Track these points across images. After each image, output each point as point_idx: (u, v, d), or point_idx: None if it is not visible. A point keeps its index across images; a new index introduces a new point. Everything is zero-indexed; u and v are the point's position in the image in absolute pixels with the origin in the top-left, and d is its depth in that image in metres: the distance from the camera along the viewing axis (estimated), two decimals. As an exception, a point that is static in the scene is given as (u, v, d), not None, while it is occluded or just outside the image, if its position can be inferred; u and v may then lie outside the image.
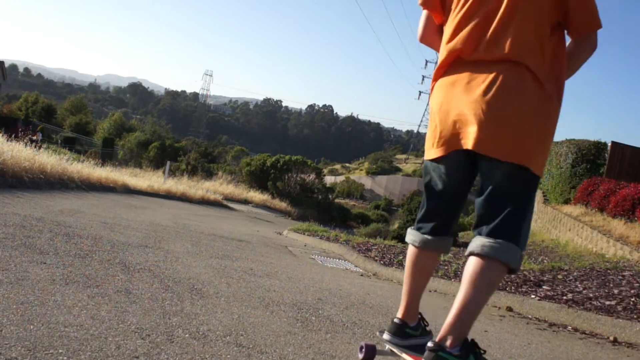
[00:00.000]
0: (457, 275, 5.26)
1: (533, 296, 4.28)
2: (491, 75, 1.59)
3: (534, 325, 3.62)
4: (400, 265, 5.88)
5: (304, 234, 8.98)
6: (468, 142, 1.65)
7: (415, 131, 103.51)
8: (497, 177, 1.66)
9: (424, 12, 1.86)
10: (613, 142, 11.78)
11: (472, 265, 1.62)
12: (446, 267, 5.70)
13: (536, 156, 1.62)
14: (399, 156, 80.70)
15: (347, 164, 76.23)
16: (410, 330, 1.90)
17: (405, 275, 1.94)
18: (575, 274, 5.18)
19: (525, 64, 1.57)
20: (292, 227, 10.22)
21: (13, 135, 8.69)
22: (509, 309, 4.13)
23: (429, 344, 1.56)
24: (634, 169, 11.39)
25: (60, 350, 1.53)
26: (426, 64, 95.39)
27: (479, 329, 3.20)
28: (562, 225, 10.12)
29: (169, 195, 14.04)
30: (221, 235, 6.40)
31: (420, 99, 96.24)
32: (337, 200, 32.61)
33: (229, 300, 2.68)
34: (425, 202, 1.96)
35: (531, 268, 5.52)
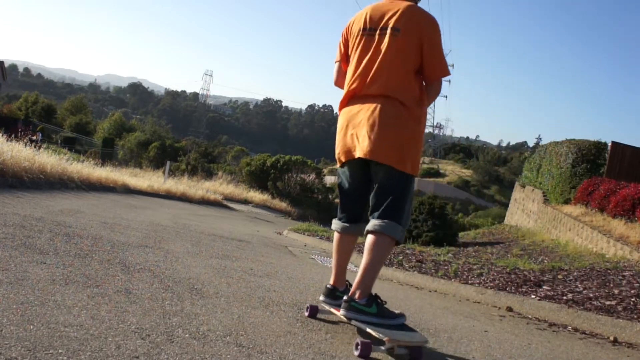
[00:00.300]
0: (457, 275, 5.26)
1: (533, 296, 4.28)
2: (374, 105, 2.26)
3: (534, 325, 3.62)
4: (400, 265, 5.88)
5: (304, 234, 8.98)
6: (359, 152, 2.30)
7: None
8: (380, 176, 2.29)
9: (337, 65, 2.56)
10: (613, 142, 11.78)
11: (369, 240, 2.26)
12: (446, 267, 5.70)
13: (408, 160, 2.25)
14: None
15: (347, 164, 76.10)
16: (339, 294, 2.51)
17: (333, 253, 2.56)
18: (575, 274, 5.18)
19: (396, 97, 2.24)
20: (292, 227, 10.22)
21: (13, 136, 8.69)
22: (509, 309, 4.13)
23: (344, 298, 2.25)
24: (634, 169, 11.38)
25: (60, 350, 1.53)
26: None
27: (479, 329, 3.20)
28: (562, 225, 10.12)
29: (169, 195, 14.04)
30: (221, 235, 6.40)
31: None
32: (337, 201, 32.59)
33: (229, 300, 2.68)
34: (340, 199, 2.60)
35: (531, 268, 5.52)
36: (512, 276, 5.11)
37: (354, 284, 2.26)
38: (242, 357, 1.84)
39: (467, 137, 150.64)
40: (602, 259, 6.53)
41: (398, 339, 2.05)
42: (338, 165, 2.54)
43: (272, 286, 3.37)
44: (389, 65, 2.24)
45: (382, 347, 2.08)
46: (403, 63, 2.24)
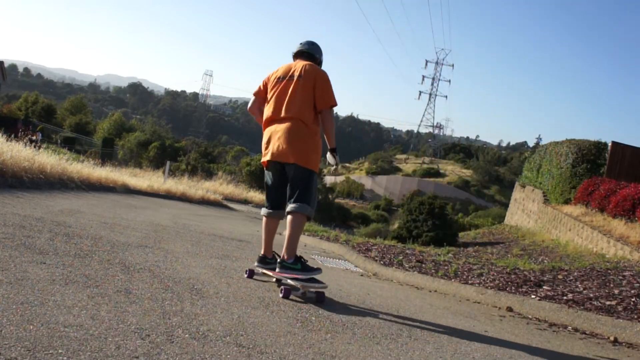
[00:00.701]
0: (457, 275, 5.26)
1: (533, 296, 4.28)
2: (286, 124, 3.26)
3: (534, 326, 3.62)
4: (401, 265, 5.88)
5: (304, 234, 8.97)
6: (275, 156, 3.29)
7: (416, 131, 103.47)
8: (292, 173, 3.26)
9: (254, 97, 3.57)
10: (613, 142, 11.78)
11: (289, 218, 3.21)
12: (446, 267, 5.70)
13: (310, 159, 3.25)
14: (399, 156, 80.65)
15: (347, 164, 76.19)
16: (268, 260, 3.47)
17: (263, 232, 3.49)
18: (575, 274, 5.18)
19: (300, 119, 3.25)
20: (292, 227, 10.20)
21: (13, 136, 8.68)
22: (509, 309, 4.13)
23: (278, 261, 3.21)
24: (634, 169, 11.38)
25: (60, 350, 1.53)
26: (426, 64, 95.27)
27: (479, 329, 3.20)
28: (562, 226, 10.12)
29: (169, 195, 14.03)
30: (221, 235, 6.40)
31: (420, 99, 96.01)
32: (337, 200, 32.61)
33: (229, 300, 2.68)
34: (266, 192, 3.53)
35: (531, 268, 5.52)
36: (512, 276, 5.11)
37: (283, 250, 3.20)
38: (242, 357, 1.83)
39: (467, 137, 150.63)
40: (602, 259, 6.53)
41: (308, 286, 3.10)
42: (265, 167, 3.50)
43: (272, 286, 3.37)
44: (295, 99, 3.28)
45: (298, 292, 3.13)
46: (303, 97, 3.28)
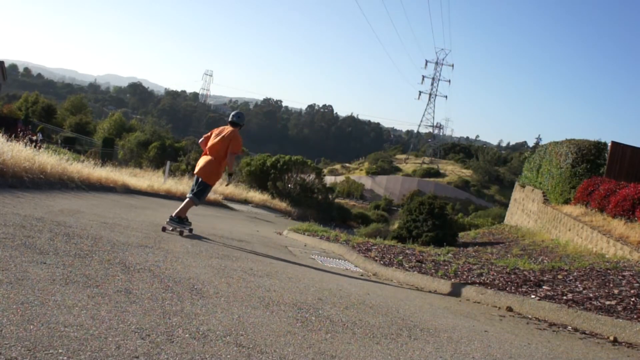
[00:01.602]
0: (457, 275, 5.26)
1: (533, 296, 4.28)
2: (208, 157, 5.98)
3: (534, 325, 3.62)
4: (401, 265, 5.88)
5: (304, 234, 8.97)
6: (197, 171, 6.03)
7: (415, 131, 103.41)
8: (200, 182, 5.99)
9: (204, 137, 6.26)
10: (613, 142, 11.77)
11: (186, 200, 5.95)
12: (446, 267, 5.70)
13: (209, 178, 5.99)
14: (399, 156, 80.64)
15: (347, 164, 76.19)
16: (172, 217, 5.78)
17: (183, 204, 5.90)
18: (575, 274, 5.18)
19: (216, 157, 5.96)
20: (292, 227, 10.21)
21: (13, 136, 8.67)
22: (509, 309, 4.13)
23: (169, 217, 5.82)
24: (634, 169, 11.38)
25: (60, 350, 1.53)
26: (426, 64, 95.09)
27: (479, 329, 3.20)
28: (562, 225, 10.12)
29: (169, 195, 14.02)
30: (221, 235, 6.40)
31: (420, 99, 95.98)
32: (337, 200, 32.60)
33: (229, 300, 2.68)
34: (192, 186, 6.14)
35: (531, 268, 5.52)
36: (512, 276, 5.11)
37: (175, 212, 5.76)
38: (242, 357, 1.84)
39: (467, 137, 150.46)
40: (602, 259, 6.53)
41: (177, 228, 5.65)
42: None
43: (272, 286, 3.37)
44: (218, 147, 5.91)
45: (174, 231, 5.62)
46: (222, 147, 5.90)
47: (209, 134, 6.16)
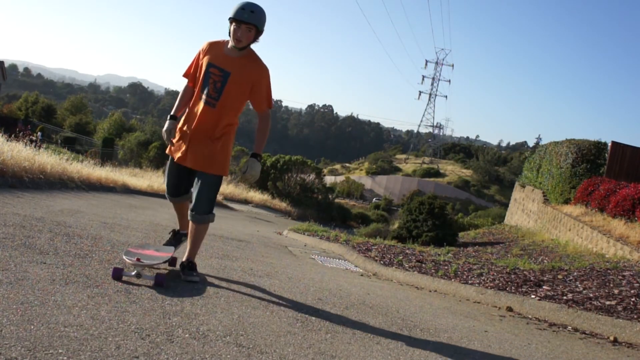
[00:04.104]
0: (457, 275, 5.26)
1: (533, 296, 4.28)
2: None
3: (534, 325, 3.62)
4: (401, 265, 5.88)
5: (304, 234, 8.97)
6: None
7: (415, 131, 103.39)
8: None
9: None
10: (613, 142, 11.77)
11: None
12: (446, 267, 5.70)
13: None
14: (399, 156, 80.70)
15: (347, 164, 76.21)
16: (191, 265, 3.15)
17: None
18: (575, 274, 5.18)
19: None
20: (292, 227, 10.22)
21: (13, 136, 8.67)
22: (509, 309, 4.13)
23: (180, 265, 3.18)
24: (634, 169, 11.38)
25: (60, 350, 1.53)
26: (426, 64, 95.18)
27: (479, 329, 3.20)
28: (562, 225, 10.12)
29: (169, 195, 14.01)
30: (221, 235, 6.40)
31: (420, 99, 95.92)
32: (337, 200, 32.61)
33: (229, 300, 2.68)
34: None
35: (531, 268, 5.52)
36: (512, 276, 5.11)
37: (186, 255, 3.19)
38: (242, 357, 1.84)
39: (467, 137, 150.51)
40: (602, 259, 6.53)
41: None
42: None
43: (272, 286, 3.37)
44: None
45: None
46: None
47: (194, 59, 3.11)
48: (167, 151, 3.19)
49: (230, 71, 2.98)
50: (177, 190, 3.25)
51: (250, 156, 3.06)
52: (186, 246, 3.21)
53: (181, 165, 3.07)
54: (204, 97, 3.00)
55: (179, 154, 3.04)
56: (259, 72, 3.06)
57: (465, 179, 60.57)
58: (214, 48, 3.05)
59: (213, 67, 2.99)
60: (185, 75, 3.15)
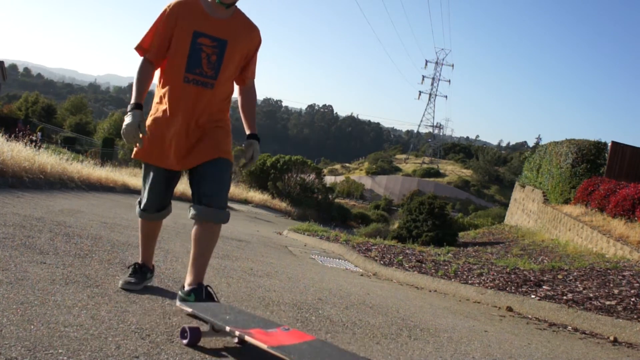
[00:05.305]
0: (457, 275, 5.26)
1: (533, 296, 4.28)
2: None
3: (534, 325, 3.62)
4: (401, 265, 5.88)
5: (304, 234, 8.98)
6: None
7: (416, 131, 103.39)
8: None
9: None
10: (613, 142, 11.78)
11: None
12: (446, 267, 5.70)
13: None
14: (399, 156, 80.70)
15: (347, 164, 76.21)
16: (202, 288, 2.26)
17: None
18: (575, 274, 5.18)
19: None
20: (292, 227, 10.22)
21: (13, 136, 8.67)
22: (509, 309, 4.13)
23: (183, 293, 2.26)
24: (634, 169, 11.38)
25: (60, 350, 1.53)
26: (426, 64, 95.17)
27: (479, 329, 3.20)
28: (562, 225, 10.12)
29: (169, 195, 14.01)
30: (221, 235, 6.39)
31: (420, 99, 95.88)
32: (337, 200, 32.61)
33: (228, 300, 2.68)
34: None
35: (531, 268, 5.52)
36: (512, 276, 5.11)
37: (192, 278, 2.29)
38: (242, 357, 1.83)
39: (467, 137, 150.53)
40: (602, 259, 6.53)
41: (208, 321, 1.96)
42: None
43: (272, 286, 3.37)
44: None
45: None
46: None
47: (159, 27, 2.30)
48: (138, 155, 2.38)
49: (227, 39, 2.31)
50: (164, 201, 2.55)
51: (249, 138, 2.50)
52: (187, 264, 2.37)
53: (172, 170, 2.41)
54: (193, 77, 2.28)
55: (169, 160, 2.35)
56: (256, 37, 2.44)
57: (465, 179, 60.58)
58: (190, 10, 2.28)
59: (202, 36, 2.26)
60: (142, 49, 2.32)
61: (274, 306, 2.75)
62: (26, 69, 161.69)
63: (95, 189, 9.54)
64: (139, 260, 2.65)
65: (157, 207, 2.56)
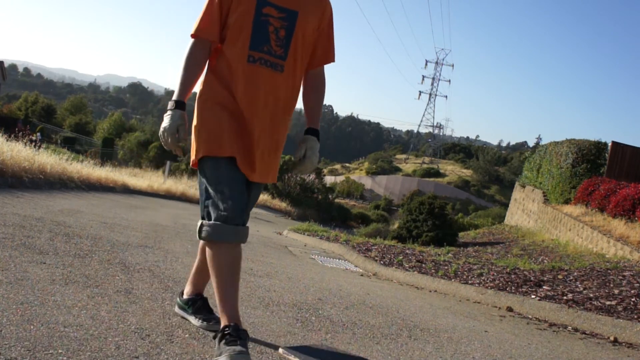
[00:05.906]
0: (457, 275, 5.26)
1: (533, 296, 4.28)
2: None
3: (534, 325, 3.62)
4: (401, 265, 5.87)
5: (304, 234, 8.98)
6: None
7: (416, 131, 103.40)
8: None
9: None
10: (613, 142, 11.78)
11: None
12: (446, 267, 5.70)
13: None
14: (399, 156, 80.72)
15: (347, 164, 76.20)
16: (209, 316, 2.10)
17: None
18: (575, 274, 5.18)
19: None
20: (292, 227, 10.22)
21: (12, 135, 8.67)
22: (509, 309, 4.13)
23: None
24: (634, 169, 11.39)
25: (60, 350, 1.53)
26: (426, 64, 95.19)
27: (479, 329, 3.20)
28: (562, 225, 10.12)
29: (168, 195, 14.04)
30: (221, 235, 6.39)
31: (420, 99, 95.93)
32: (337, 200, 32.62)
33: (229, 300, 2.67)
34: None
35: (531, 268, 5.52)
36: (512, 276, 5.11)
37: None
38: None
39: (467, 137, 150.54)
40: (602, 259, 6.53)
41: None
42: None
43: (272, 286, 3.37)
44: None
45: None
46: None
47: (213, 3, 1.85)
48: (207, 153, 1.80)
49: (297, 9, 1.85)
50: (244, 212, 1.83)
51: (307, 133, 2.04)
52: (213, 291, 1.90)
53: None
54: (260, 56, 1.81)
55: (246, 166, 1.83)
56: (327, 6, 1.97)
57: (465, 179, 60.57)
58: None
59: (268, 5, 1.81)
60: (201, 33, 1.84)
61: (274, 306, 2.75)
62: (26, 69, 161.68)
63: (95, 189, 9.54)
64: (226, 321, 1.74)
65: (238, 219, 1.79)
